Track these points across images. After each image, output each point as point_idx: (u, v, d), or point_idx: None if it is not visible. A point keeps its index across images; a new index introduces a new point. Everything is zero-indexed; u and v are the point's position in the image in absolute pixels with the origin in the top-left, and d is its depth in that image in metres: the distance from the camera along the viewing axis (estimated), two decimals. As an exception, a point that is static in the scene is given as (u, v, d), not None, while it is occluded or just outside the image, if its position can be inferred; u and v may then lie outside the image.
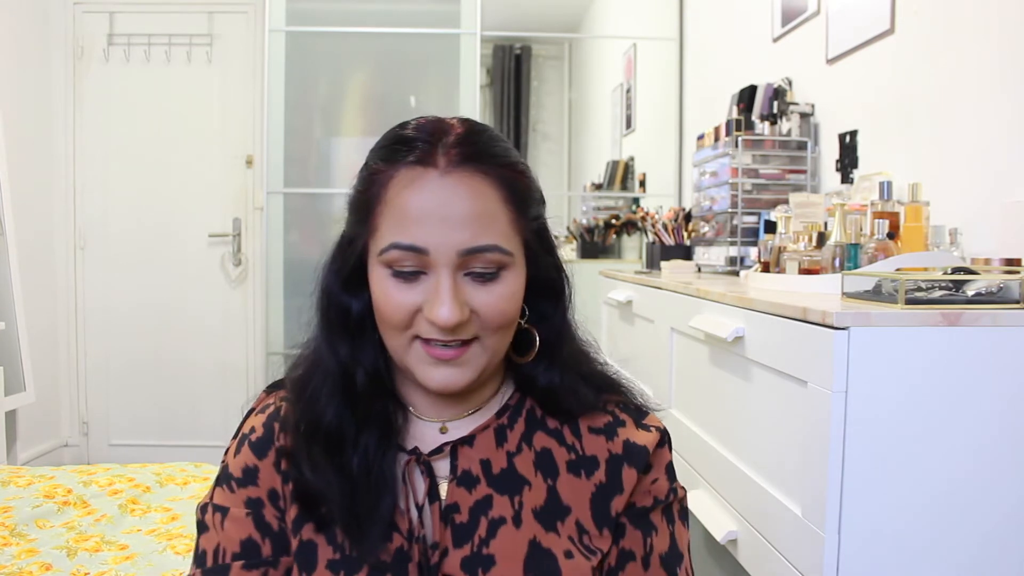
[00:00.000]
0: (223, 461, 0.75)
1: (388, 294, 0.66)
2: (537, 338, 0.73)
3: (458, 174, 0.65)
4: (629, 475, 0.73)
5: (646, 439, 0.75)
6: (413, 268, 0.65)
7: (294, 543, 0.70)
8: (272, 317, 3.42)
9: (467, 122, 0.70)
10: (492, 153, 0.67)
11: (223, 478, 0.74)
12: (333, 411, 0.70)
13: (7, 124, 3.05)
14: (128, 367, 3.58)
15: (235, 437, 0.76)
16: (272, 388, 0.79)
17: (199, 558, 0.71)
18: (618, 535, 0.73)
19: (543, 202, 0.73)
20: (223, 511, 0.72)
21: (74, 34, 3.52)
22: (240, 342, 3.61)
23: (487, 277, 0.66)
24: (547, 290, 0.74)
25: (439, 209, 0.64)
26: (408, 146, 0.67)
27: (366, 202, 0.68)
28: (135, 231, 3.57)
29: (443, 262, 0.64)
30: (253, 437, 0.74)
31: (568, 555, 0.69)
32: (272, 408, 0.75)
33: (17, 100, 3.22)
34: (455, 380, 0.67)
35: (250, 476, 0.72)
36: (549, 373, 0.73)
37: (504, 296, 0.67)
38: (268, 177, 3.33)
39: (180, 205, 3.58)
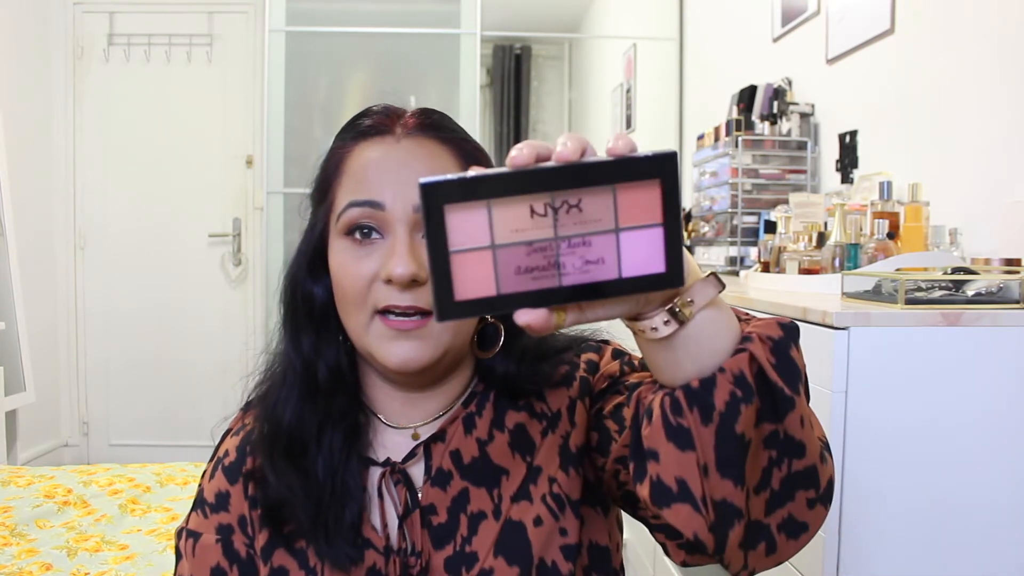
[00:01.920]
0: (200, 485, 0.75)
1: (345, 265, 0.65)
2: (502, 331, 0.70)
3: (414, 139, 0.67)
4: (581, 409, 0.71)
5: (587, 358, 0.73)
6: (367, 225, 0.65)
7: (264, 571, 0.68)
8: (272, 317, 3.37)
9: (425, 107, 0.72)
10: (448, 127, 0.69)
11: (199, 502, 0.73)
12: (292, 409, 0.69)
13: (7, 124, 3.05)
14: (128, 367, 3.58)
15: (211, 460, 0.75)
16: (248, 407, 0.77)
17: None
18: (599, 422, 0.69)
19: None
20: (195, 536, 0.71)
21: (74, 34, 3.52)
22: (240, 342, 3.61)
23: None
24: None
25: (395, 167, 0.65)
26: (366, 120, 0.69)
27: (325, 180, 0.69)
28: (135, 231, 3.57)
29: (399, 218, 0.64)
30: (227, 461, 0.73)
31: (537, 522, 0.67)
32: (245, 431, 0.74)
33: (17, 100, 3.22)
34: (415, 355, 0.64)
35: (222, 502, 0.71)
36: (506, 362, 0.71)
37: None
38: (268, 177, 3.33)
39: (180, 205, 3.58)
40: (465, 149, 0.69)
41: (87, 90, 3.53)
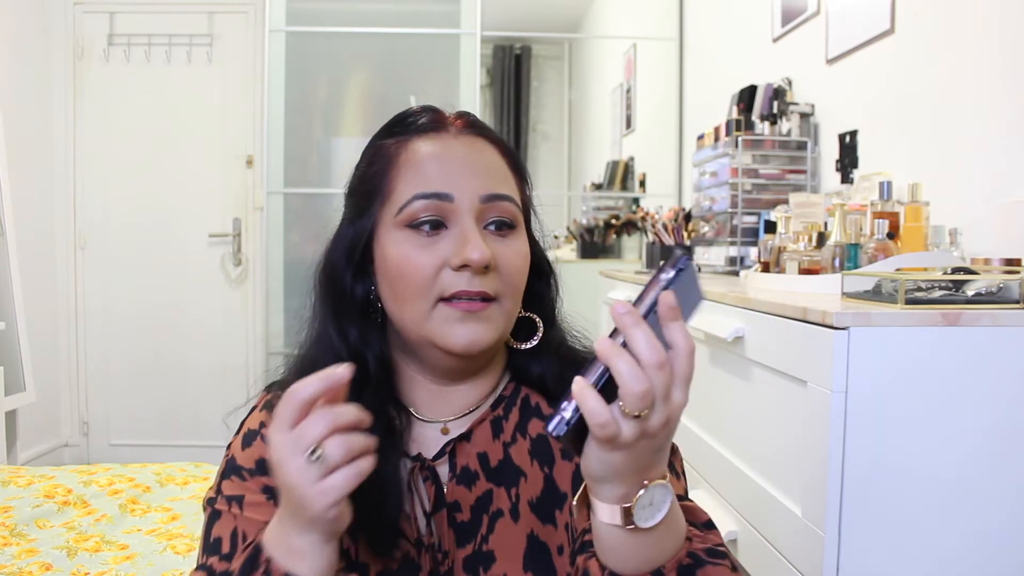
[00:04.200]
0: (227, 455, 0.72)
1: (409, 256, 0.66)
2: (540, 325, 0.73)
3: (468, 136, 0.70)
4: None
5: None
6: (434, 218, 0.66)
7: None
8: (272, 317, 3.42)
9: (460, 110, 0.75)
10: (489, 128, 0.74)
11: (231, 471, 0.70)
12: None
13: (7, 124, 3.05)
14: (128, 367, 3.58)
15: (238, 433, 0.74)
16: (272, 387, 0.77)
17: (212, 546, 0.67)
18: None
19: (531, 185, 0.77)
20: (238, 499, 0.68)
21: (74, 34, 3.52)
22: (240, 342, 3.61)
23: (505, 229, 0.68)
24: (540, 270, 0.75)
25: (459, 159, 0.68)
26: (416, 118, 0.71)
27: (374, 175, 0.70)
28: (135, 231, 3.57)
29: (466, 208, 0.66)
30: (264, 432, 0.71)
31: (560, 550, 0.69)
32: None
33: (17, 100, 3.22)
34: (481, 336, 0.66)
35: (263, 467, 0.68)
36: (542, 361, 0.74)
37: (520, 252, 0.69)
38: (268, 177, 3.33)
39: (180, 205, 3.58)
40: (507, 149, 0.73)
41: (87, 90, 3.53)
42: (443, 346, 0.67)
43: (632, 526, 0.53)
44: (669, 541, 0.56)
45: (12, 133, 3.09)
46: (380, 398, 0.70)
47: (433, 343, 0.67)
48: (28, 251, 3.19)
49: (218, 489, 0.70)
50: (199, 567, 0.66)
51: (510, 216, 0.68)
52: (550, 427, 0.50)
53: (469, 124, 0.71)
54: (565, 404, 0.50)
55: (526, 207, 0.73)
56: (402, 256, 0.66)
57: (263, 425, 0.72)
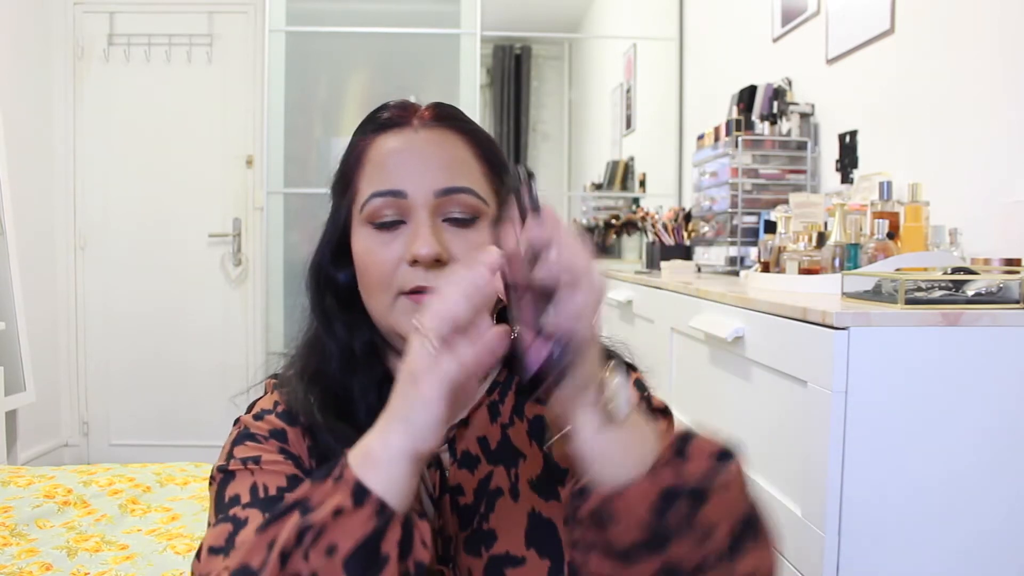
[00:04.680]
0: (237, 429, 0.71)
1: (371, 251, 0.68)
2: None
3: (431, 129, 0.70)
4: None
5: None
6: (393, 217, 0.67)
7: None
8: (272, 317, 3.42)
9: (438, 101, 0.75)
10: (462, 118, 0.73)
11: (243, 438, 0.69)
12: (338, 379, 0.70)
13: (7, 124, 3.05)
14: (128, 367, 3.58)
15: (248, 412, 0.73)
16: (275, 377, 0.78)
17: (228, 503, 0.64)
18: None
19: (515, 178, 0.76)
20: (254, 459, 0.66)
21: (74, 34, 3.52)
22: (240, 342, 3.61)
23: (464, 222, 0.68)
24: None
25: (414, 155, 0.68)
26: (383, 113, 0.72)
27: (346, 173, 0.72)
28: (135, 231, 3.57)
29: (420, 203, 0.67)
30: (279, 409, 0.71)
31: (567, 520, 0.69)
32: (281, 392, 0.73)
33: (17, 100, 3.22)
34: None
35: (280, 436, 0.69)
36: None
37: (481, 245, 0.66)
38: (268, 177, 3.33)
39: (180, 205, 3.58)
40: (478, 138, 0.72)
41: (87, 90, 3.53)
42: (406, 336, 0.66)
43: (613, 422, 0.53)
44: (647, 429, 0.56)
45: (12, 133, 3.09)
46: (378, 373, 0.71)
47: (398, 334, 0.68)
48: (28, 251, 3.19)
49: (228, 456, 0.68)
50: (217, 523, 0.63)
51: (469, 210, 0.68)
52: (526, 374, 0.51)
53: (436, 116, 0.71)
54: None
55: (502, 197, 0.71)
56: (365, 251, 0.68)
57: (277, 404, 0.72)
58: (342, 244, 0.72)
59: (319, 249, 0.75)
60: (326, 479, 0.53)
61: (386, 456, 0.52)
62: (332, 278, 0.73)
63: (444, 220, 0.68)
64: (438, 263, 0.65)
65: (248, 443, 0.68)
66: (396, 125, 0.71)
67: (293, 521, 0.51)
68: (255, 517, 0.62)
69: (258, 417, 0.71)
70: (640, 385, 0.76)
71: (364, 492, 0.51)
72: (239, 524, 0.62)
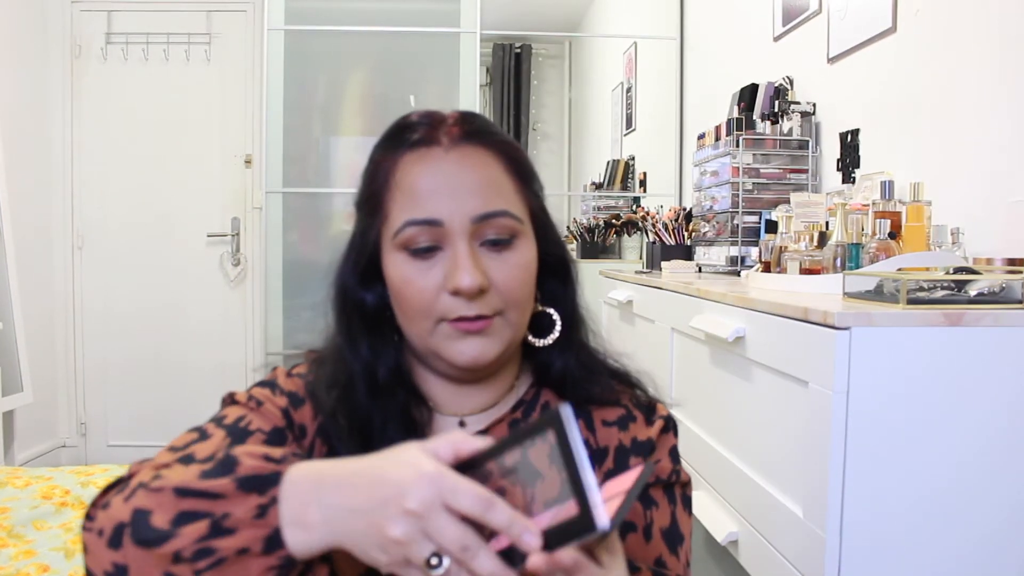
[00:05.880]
0: (270, 376, 0.74)
1: (408, 279, 0.67)
2: (557, 318, 0.73)
3: (461, 149, 0.68)
4: (635, 462, 0.73)
5: (653, 431, 0.76)
6: (429, 243, 0.66)
7: None
8: (271, 317, 3.41)
9: (462, 110, 0.73)
10: (490, 131, 0.71)
11: (267, 385, 0.72)
12: (360, 407, 0.70)
13: (4, 123, 3.04)
14: (126, 367, 3.57)
15: (280, 371, 0.75)
16: (290, 374, 0.78)
17: (213, 419, 0.68)
18: None
19: (540, 182, 0.76)
20: (259, 401, 0.70)
21: (72, 33, 3.51)
22: (239, 342, 3.61)
23: (501, 245, 0.67)
24: (556, 268, 0.75)
25: (448, 180, 0.67)
26: (410, 131, 0.70)
27: (374, 193, 0.70)
28: (133, 231, 3.56)
29: (458, 231, 0.66)
30: (300, 393, 0.72)
31: None
32: (295, 379, 0.74)
33: (15, 99, 3.21)
34: (484, 352, 0.67)
35: (296, 401, 0.71)
36: (564, 356, 0.74)
37: (520, 265, 0.68)
38: (267, 177, 3.32)
39: (178, 205, 3.57)
40: (509, 153, 0.71)
41: (85, 89, 3.53)
42: (448, 360, 0.68)
43: None
44: None
45: (9, 132, 3.08)
46: (401, 399, 0.71)
47: (439, 357, 0.69)
48: (25, 251, 3.18)
49: (248, 391, 0.72)
50: (194, 428, 0.67)
51: (506, 231, 0.67)
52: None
53: (465, 133, 0.69)
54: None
55: (534, 211, 0.72)
56: (402, 279, 0.67)
57: (299, 386, 0.73)
58: (371, 262, 0.71)
59: (344, 267, 0.73)
60: (256, 493, 0.52)
61: (321, 527, 0.50)
62: (360, 299, 0.72)
63: (481, 244, 0.67)
64: (480, 292, 0.65)
65: (267, 389, 0.71)
66: (424, 144, 0.68)
67: (201, 527, 0.51)
68: (218, 437, 0.65)
69: (288, 376, 0.73)
70: (675, 455, 0.76)
71: (278, 545, 0.51)
72: (204, 437, 0.65)
